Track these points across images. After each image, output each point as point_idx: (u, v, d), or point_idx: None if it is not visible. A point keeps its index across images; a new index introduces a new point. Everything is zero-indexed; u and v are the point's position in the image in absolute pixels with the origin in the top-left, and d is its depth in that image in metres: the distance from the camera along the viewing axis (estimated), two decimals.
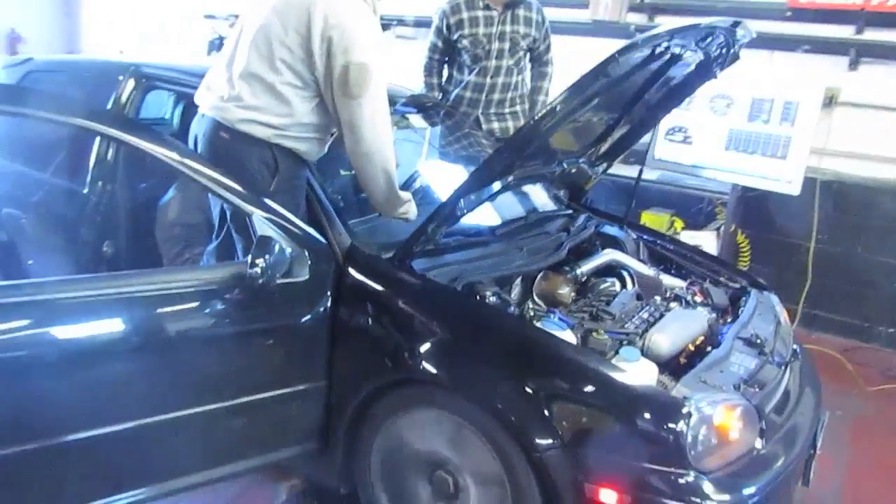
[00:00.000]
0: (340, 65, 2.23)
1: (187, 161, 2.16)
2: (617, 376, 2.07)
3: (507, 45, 3.61)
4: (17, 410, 1.83)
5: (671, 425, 1.98)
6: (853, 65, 4.29)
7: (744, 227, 4.64)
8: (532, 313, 2.44)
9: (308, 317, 2.28)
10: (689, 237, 4.49)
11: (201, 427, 2.16)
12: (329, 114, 2.39)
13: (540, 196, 3.35)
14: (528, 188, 3.30)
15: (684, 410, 1.99)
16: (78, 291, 1.93)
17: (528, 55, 3.82)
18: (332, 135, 2.51)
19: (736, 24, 2.52)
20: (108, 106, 2.93)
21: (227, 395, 2.18)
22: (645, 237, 3.31)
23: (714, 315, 2.72)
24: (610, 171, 4.65)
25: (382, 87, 2.35)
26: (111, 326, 1.96)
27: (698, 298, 2.89)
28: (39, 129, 2.90)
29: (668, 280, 3.02)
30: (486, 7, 3.56)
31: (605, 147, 3.09)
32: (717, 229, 4.58)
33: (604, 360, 2.16)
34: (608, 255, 3.02)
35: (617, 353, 2.24)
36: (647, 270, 3.02)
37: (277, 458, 2.41)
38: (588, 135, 2.96)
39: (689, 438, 1.98)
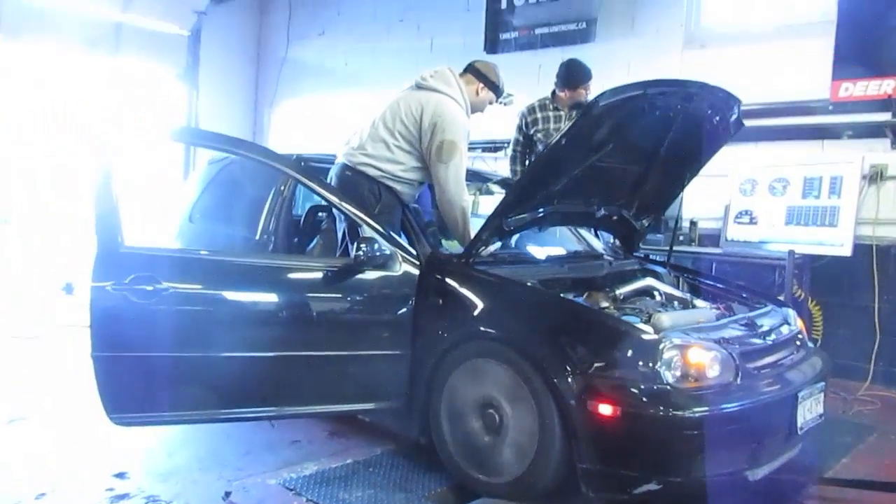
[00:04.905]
0: (438, 140, 3.35)
1: (327, 194, 3.26)
2: (612, 324, 2.82)
3: None
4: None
5: (649, 355, 2.68)
6: (895, 144, 4.85)
7: (814, 296, 5.10)
8: None
9: (399, 300, 3.20)
10: None
11: (319, 367, 3.09)
12: (420, 171, 3.47)
13: (596, 245, 4.18)
14: (582, 235, 4.15)
15: (660, 346, 2.69)
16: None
17: None
18: (420, 184, 3.55)
19: (714, 90, 3.34)
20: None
21: (341, 347, 3.12)
22: (686, 276, 4.00)
23: (725, 312, 3.37)
24: (690, 251, 5.41)
25: (464, 158, 3.42)
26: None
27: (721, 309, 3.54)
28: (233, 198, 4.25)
29: (699, 303, 3.68)
30: (556, 108, 4.59)
31: (639, 200, 3.87)
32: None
33: (606, 314, 2.91)
34: (645, 281, 3.75)
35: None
36: (678, 294, 3.71)
37: (372, 408, 3.27)
38: (621, 186, 3.78)
39: (663, 364, 2.66)
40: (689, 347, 2.73)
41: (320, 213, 4.35)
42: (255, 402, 3.05)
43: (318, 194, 3.27)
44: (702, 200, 5.53)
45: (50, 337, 5.58)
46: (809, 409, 3.01)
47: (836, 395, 4.35)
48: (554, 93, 4.59)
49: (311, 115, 8.80)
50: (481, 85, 3.57)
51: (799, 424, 2.93)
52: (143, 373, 2.81)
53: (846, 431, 3.91)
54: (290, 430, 3.61)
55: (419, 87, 3.47)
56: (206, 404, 2.96)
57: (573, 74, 4.47)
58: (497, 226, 3.28)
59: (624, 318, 2.98)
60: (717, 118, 3.57)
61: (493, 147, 6.69)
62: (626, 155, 3.54)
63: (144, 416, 2.87)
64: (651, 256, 5.20)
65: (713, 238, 5.51)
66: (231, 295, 2.98)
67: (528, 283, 3.23)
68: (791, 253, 4.81)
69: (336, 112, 8.37)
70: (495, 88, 3.61)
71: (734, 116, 3.62)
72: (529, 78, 6.29)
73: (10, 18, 7.60)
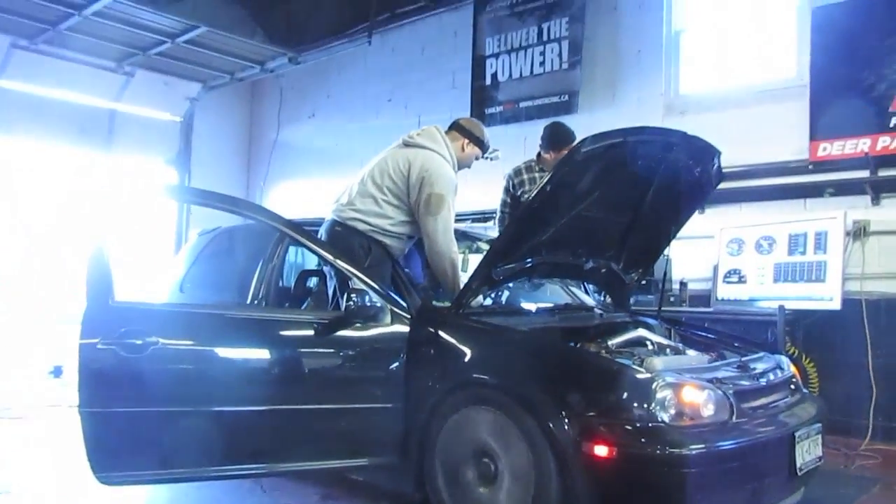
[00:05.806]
0: (426, 193, 3.41)
1: (318, 248, 3.30)
2: (606, 365, 2.81)
3: None
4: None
5: (643, 394, 2.65)
6: (875, 200, 4.96)
7: (807, 352, 5.08)
8: None
9: (390, 352, 3.18)
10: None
11: (311, 422, 3.04)
12: (409, 225, 3.51)
13: (588, 301, 4.19)
14: (573, 291, 4.17)
15: (653, 385, 2.67)
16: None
17: None
18: (410, 238, 3.58)
19: (694, 140, 3.42)
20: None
21: (332, 400, 3.08)
22: (677, 327, 3.99)
23: (717, 359, 3.35)
24: (683, 310, 5.40)
25: (452, 210, 3.48)
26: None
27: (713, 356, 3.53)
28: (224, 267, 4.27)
29: (690, 352, 3.67)
30: (542, 170, 4.68)
31: (627, 253, 3.91)
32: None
33: (599, 356, 2.89)
34: (637, 332, 3.73)
35: None
36: (670, 343, 3.70)
37: (365, 464, 3.18)
38: (608, 238, 3.82)
39: (657, 403, 2.63)
40: (683, 386, 2.71)
41: (310, 279, 4.39)
42: (246, 459, 2.98)
43: (309, 248, 3.31)
44: (690, 262, 5.60)
45: (36, 417, 5.46)
46: (808, 450, 2.95)
47: (836, 451, 4.29)
48: (539, 155, 4.70)
49: (303, 194, 8.94)
50: (467, 140, 3.67)
51: (798, 465, 2.87)
52: (131, 428, 2.75)
53: (849, 484, 3.86)
54: (280, 493, 3.51)
55: (406, 144, 3.56)
56: (195, 461, 2.88)
57: (557, 136, 4.58)
58: (486, 275, 3.30)
59: (617, 359, 2.96)
60: (699, 169, 3.65)
61: (483, 217, 6.79)
62: (612, 206, 3.60)
63: (132, 475, 2.79)
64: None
65: (703, 299, 5.53)
66: (221, 349, 2.96)
67: (523, 329, 3.23)
68: (781, 308, 4.81)
69: (328, 190, 8.50)
70: (480, 143, 3.71)
71: (715, 167, 3.70)
72: (515, 149, 6.38)
73: (4, 111, 7.77)
